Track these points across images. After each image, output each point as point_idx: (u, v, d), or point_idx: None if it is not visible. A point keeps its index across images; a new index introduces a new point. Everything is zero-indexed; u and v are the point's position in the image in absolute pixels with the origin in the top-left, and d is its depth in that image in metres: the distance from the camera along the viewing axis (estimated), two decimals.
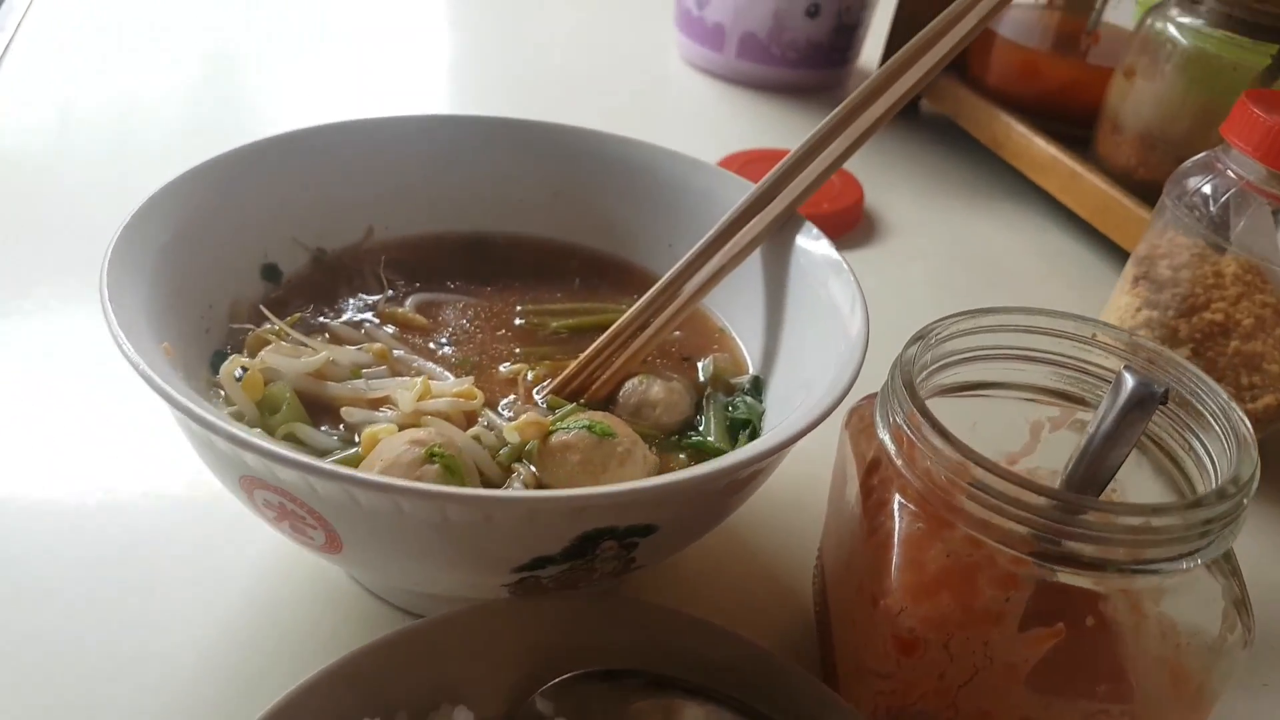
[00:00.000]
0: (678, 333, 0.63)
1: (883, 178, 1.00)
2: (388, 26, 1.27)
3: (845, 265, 0.56)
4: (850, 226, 0.94)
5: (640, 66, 1.23)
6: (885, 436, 0.45)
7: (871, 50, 1.21)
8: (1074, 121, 1.03)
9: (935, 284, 0.87)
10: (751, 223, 0.61)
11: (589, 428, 0.51)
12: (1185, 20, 0.88)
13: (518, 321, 0.63)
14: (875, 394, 0.52)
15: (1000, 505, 0.40)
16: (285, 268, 0.63)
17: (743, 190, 0.63)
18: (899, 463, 0.44)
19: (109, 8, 1.20)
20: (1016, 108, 1.06)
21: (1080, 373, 0.50)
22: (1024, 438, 0.54)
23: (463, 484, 0.47)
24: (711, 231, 0.61)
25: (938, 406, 0.48)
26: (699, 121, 1.13)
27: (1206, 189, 0.69)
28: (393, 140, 0.66)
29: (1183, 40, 0.88)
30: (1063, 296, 0.88)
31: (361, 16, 1.29)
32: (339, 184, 0.65)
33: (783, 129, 1.11)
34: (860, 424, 0.51)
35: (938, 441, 0.41)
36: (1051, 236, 0.97)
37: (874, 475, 0.47)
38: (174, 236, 0.54)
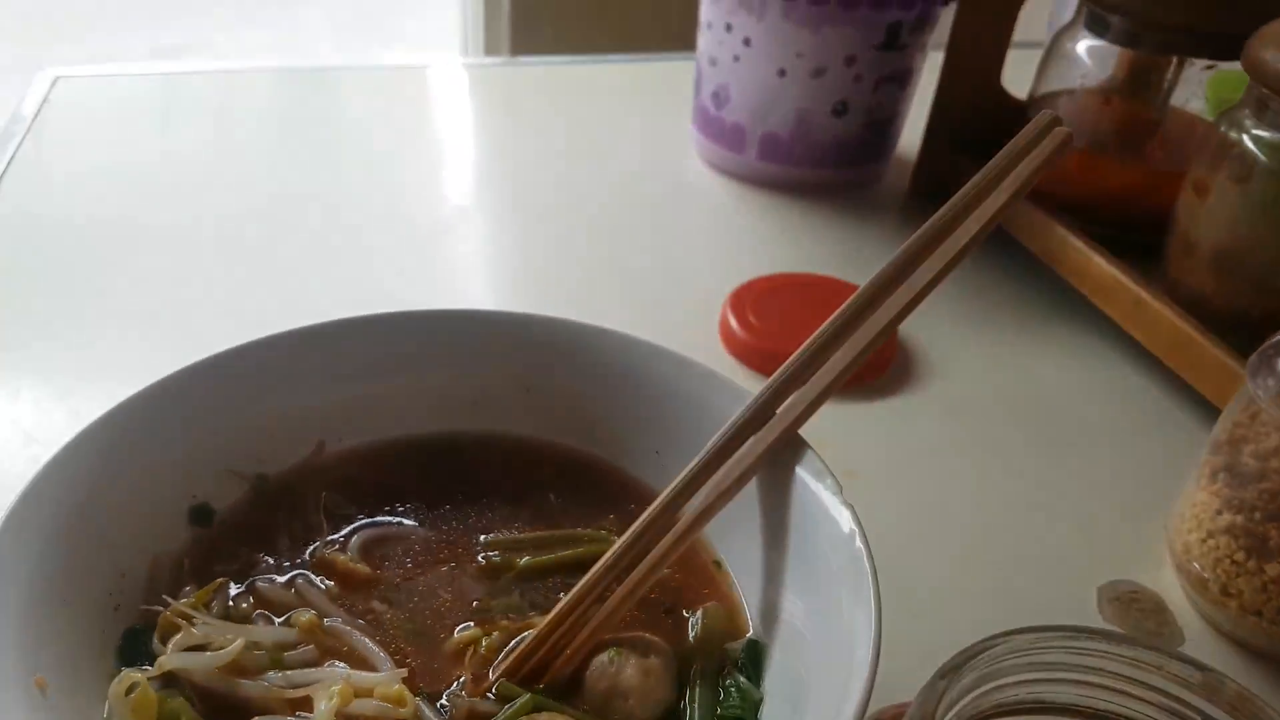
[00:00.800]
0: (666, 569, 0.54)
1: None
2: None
3: (864, 557, 0.46)
4: (882, 369, 0.83)
5: (657, 169, 1.14)
6: None
7: (912, 139, 1.11)
8: (1136, 229, 0.92)
9: (980, 444, 0.77)
10: (746, 446, 0.52)
11: None
12: (1263, 133, 0.77)
13: (479, 559, 0.55)
14: (899, 708, 0.43)
15: None
16: (218, 504, 0.55)
17: (739, 397, 0.54)
18: None
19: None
20: (1075, 213, 0.95)
21: (1141, 700, 0.40)
22: None
23: None
24: (701, 454, 0.53)
25: None
26: (717, 232, 1.04)
27: None
28: (344, 343, 0.59)
29: (1261, 157, 0.77)
30: (1134, 458, 0.76)
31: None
32: (282, 398, 0.57)
33: (810, 240, 1.02)
34: None
35: None
36: (1120, 373, 0.86)
37: None
38: (71, 509, 0.48)
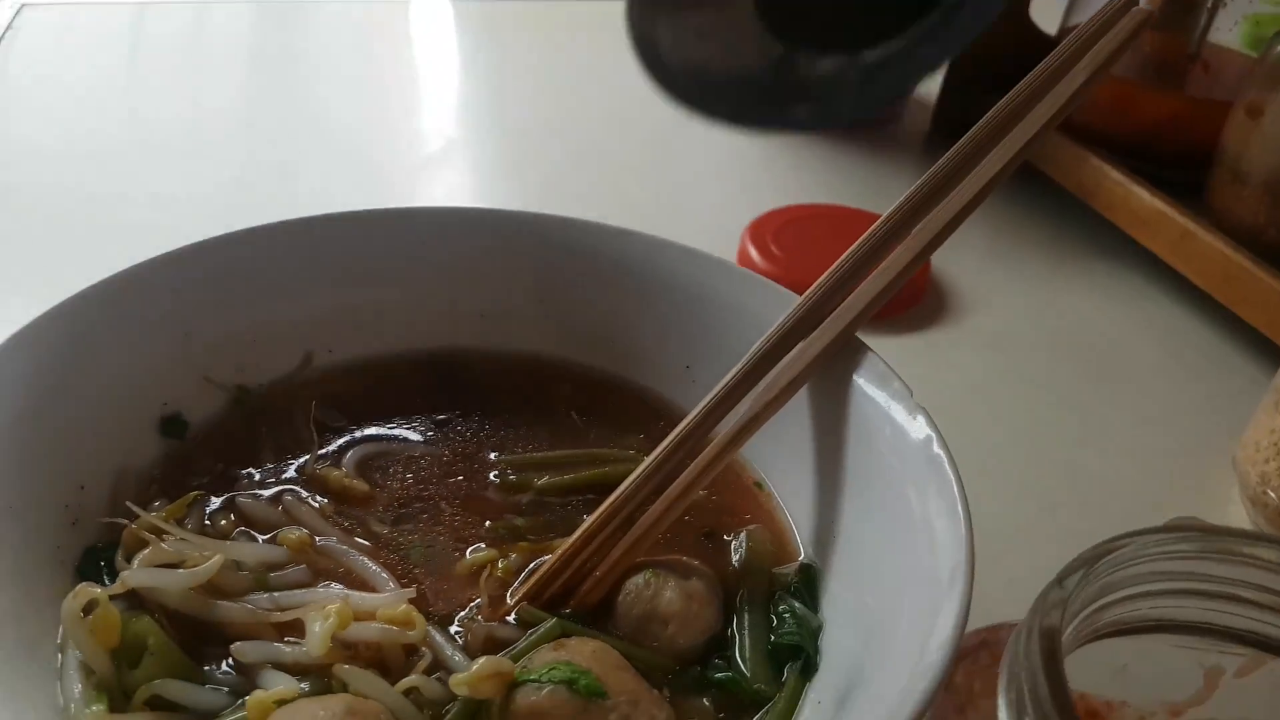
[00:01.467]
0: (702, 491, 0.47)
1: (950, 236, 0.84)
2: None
3: (944, 460, 0.40)
4: (914, 302, 0.78)
5: (663, 105, 1.08)
6: None
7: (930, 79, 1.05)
8: (1178, 165, 0.87)
9: (1024, 379, 0.71)
10: (797, 350, 0.46)
11: (569, 682, 0.36)
12: None
13: (491, 478, 0.49)
14: (990, 632, 0.37)
15: None
16: (192, 417, 0.49)
17: (783, 303, 0.48)
18: None
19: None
20: (1106, 147, 0.89)
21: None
22: (1195, 684, 0.38)
23: None
24: (742, 361, 0.46)
25: (1079, 654, 0.33)
26: (731, 169, 0.98)
27: None
28: (335, 242, 0.52)
29: None
30: (1188, 393, 0.71)
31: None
32: (266, 301, 0.51)
33: (829, 176, 0.96)
34: (968, 676, 0.36)
35: None
36: (1161, 308, 0.80)
37: None
38: (26, 406, 0.41)
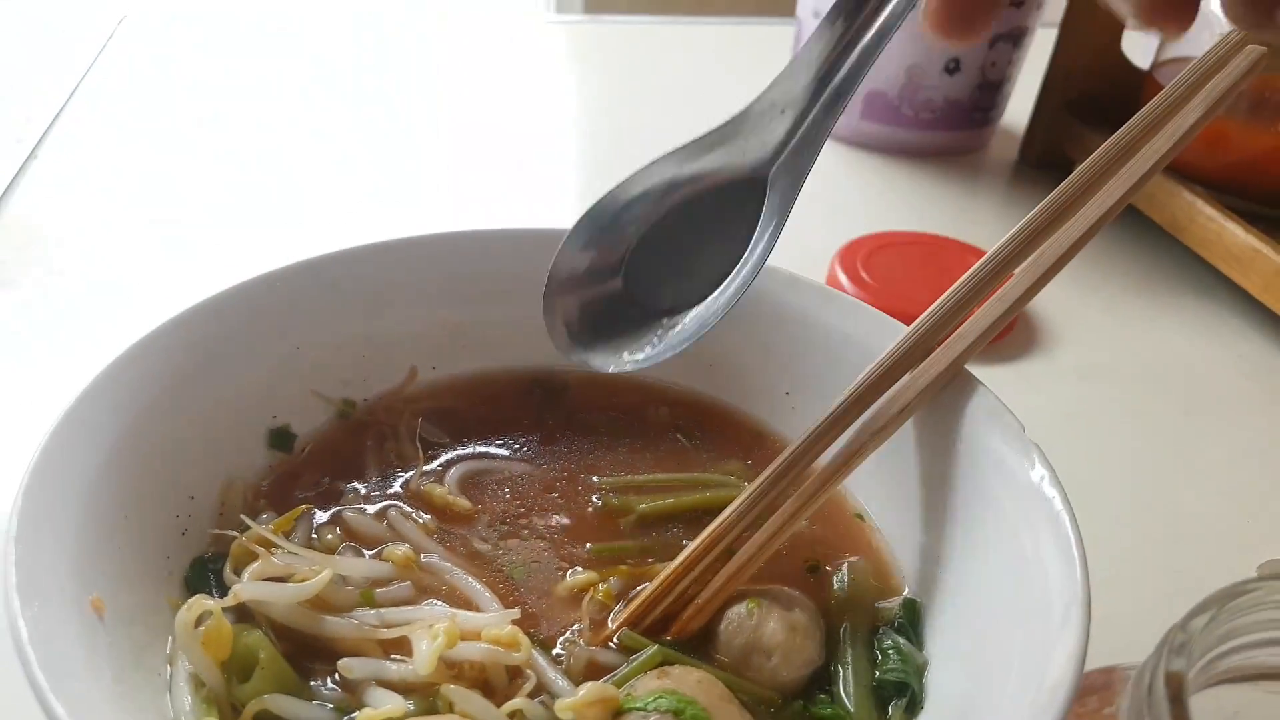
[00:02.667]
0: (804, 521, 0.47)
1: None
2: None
3: (1058, 500, 0.39)
4: (1005, 333, 0.77)
5: None
6: None
7: (1017, 105, 1.04)
8: (1267, 200, 0.85)
9: (1116, 412, 0.70)
10: (905, 380, 0.46)
11: (676, 712, 0.36)
12: None
13: (593, 500, 0.49)
14: (1097, 675, 0.36)
15: None
16: (300, 429, 0.50)
17: (887, 331, 0.47)
18: None
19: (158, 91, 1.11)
20: (1200, 182, 0.88)
21: None
22: None
23: None
24: (849, 389, 0.46)
25: (1197, 700, 0.33)
26: (821, 194, 0.97)
27: None
28: (443, 260, 0.53)
29: None
30: None
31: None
32: (374, 317, 0.52)
33: (918, 202, 0.95)
34: (1093, 712, 0.35)
35: None
36: (1255, 346, 0.79)
37: None
38: (141, 415, 0.42)
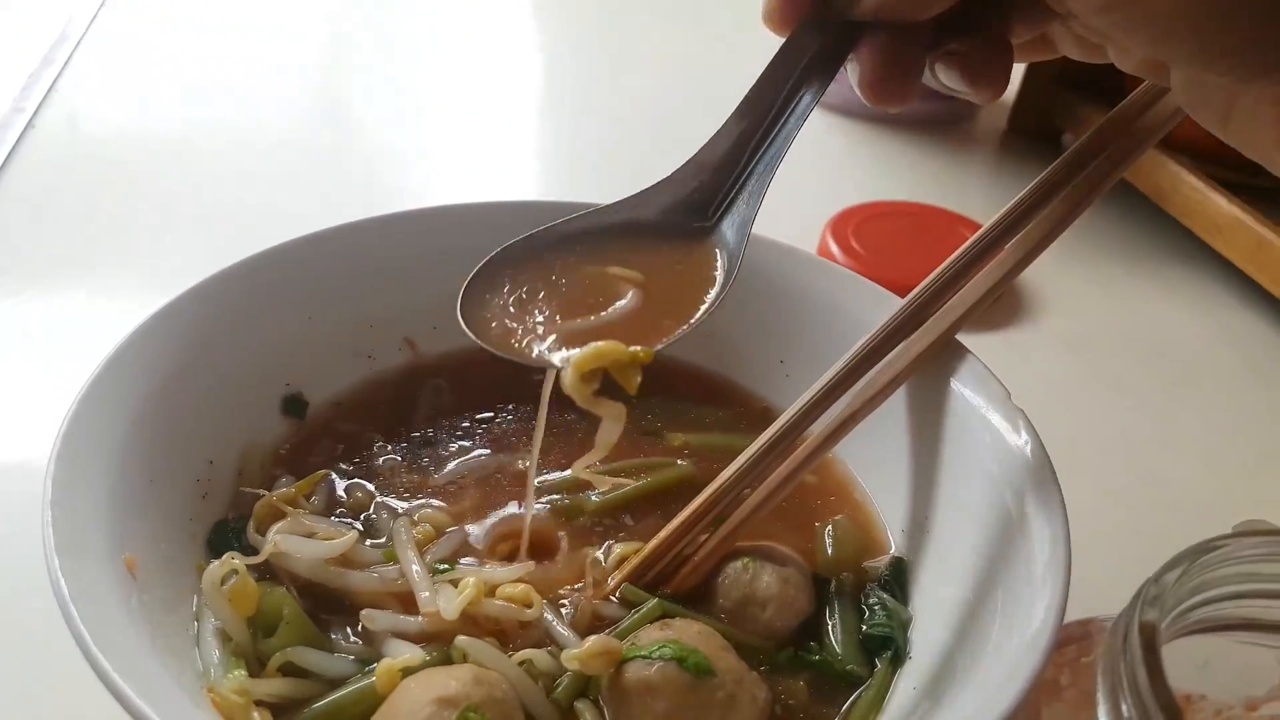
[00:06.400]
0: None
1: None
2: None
3: (1048, 467, 0.41)
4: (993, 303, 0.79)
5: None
6: None
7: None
8: (1251, 170, 0.86)
9: (1100, 380, 0.72)
10: (898, 350, 0.48)
11: (680, 659, 0.38)
12: None
13: (590, 472, 0.50)
14: (1077, 626, 0.38)
15: None
16: (313, 397, 0.51)
17: (880, 302, 0.49)
18: None
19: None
20: (1184, 152, 0.89)
21: None
22: (1272, 680, 0.39)
23: None
24: (844, 359, 0.48)
25: (1168, 650, 0.35)
26: (810, 164, 0.99)
27: None
28: (451, 231, 0.54)
29: None
30: (1264, 400, 0.72)
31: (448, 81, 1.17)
32: (384, 288, 0.53)
33: (908, 172, 0.97)
34: (1056, 668, 0.37)
35: None
36: (1236, 315, 0.81)
37: None
38: (162, 382, 0.44)
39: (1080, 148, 0.50)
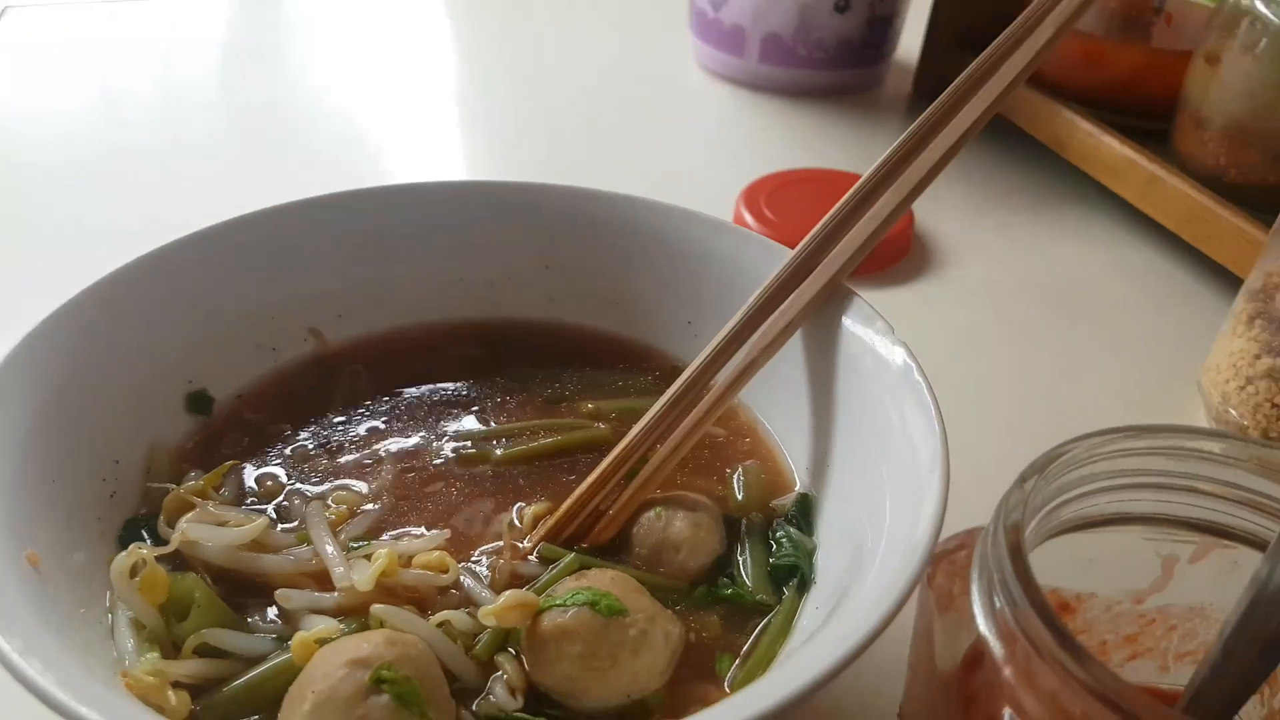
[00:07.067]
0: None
1: (931, 192, 0.86)
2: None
3: (915, 370, 0.43)
4: (900, 256, 0.81)
5: (654, 77, 1.11)
6: (989, 633, 0.33)
7: (909, 42, 1.08)
8: (1145, 114, 0.90)
9: (1005, 322, 0.74)
10: (790, 299, 0.49)
11: (592, 604, 0.39)
12: None
13: (497, 443, 0.51)
14: (968, 535, 0.40)
15: None
16: (218, 392, 0.52)
17: (776, 257, 0.51)
18: (1011, 675, 0.31)
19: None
20: (1078, 100, 0.92)
21: (1227, 500, 0.37)
22: (1154, 573, 0.41)
23: (423, 714, 0.35)
24: (740, 313, 0.49)
25: (1048, 548, 0.37)
26: (722, 138, 1.01)
27: None
28: (343, 220, 0.55)
29: (1275, 19, 0.74)
30: (1156, 327, 0.75)
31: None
32: (280, 280, 0.54)
33: (817, 141, 0.99)
34: (949, 577, 0.39)
35: (1070, 663, 0.29)
36: (1132, 250, 0.84)
37: (975, 673, 0.35)
38: (60, 384, 0.44)
39: (953, 92, 0.51)
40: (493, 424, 0.53)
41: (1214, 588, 0.40)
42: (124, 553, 0.41)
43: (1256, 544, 0.37)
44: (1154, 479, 0.37)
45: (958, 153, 0.51)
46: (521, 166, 0.93)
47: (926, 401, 0.41)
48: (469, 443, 0.51)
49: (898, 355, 0.44)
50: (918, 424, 0.40)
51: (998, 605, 0.32)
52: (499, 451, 0.50)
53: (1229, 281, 0.75)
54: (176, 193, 0.84)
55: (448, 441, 0.51)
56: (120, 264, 0.48)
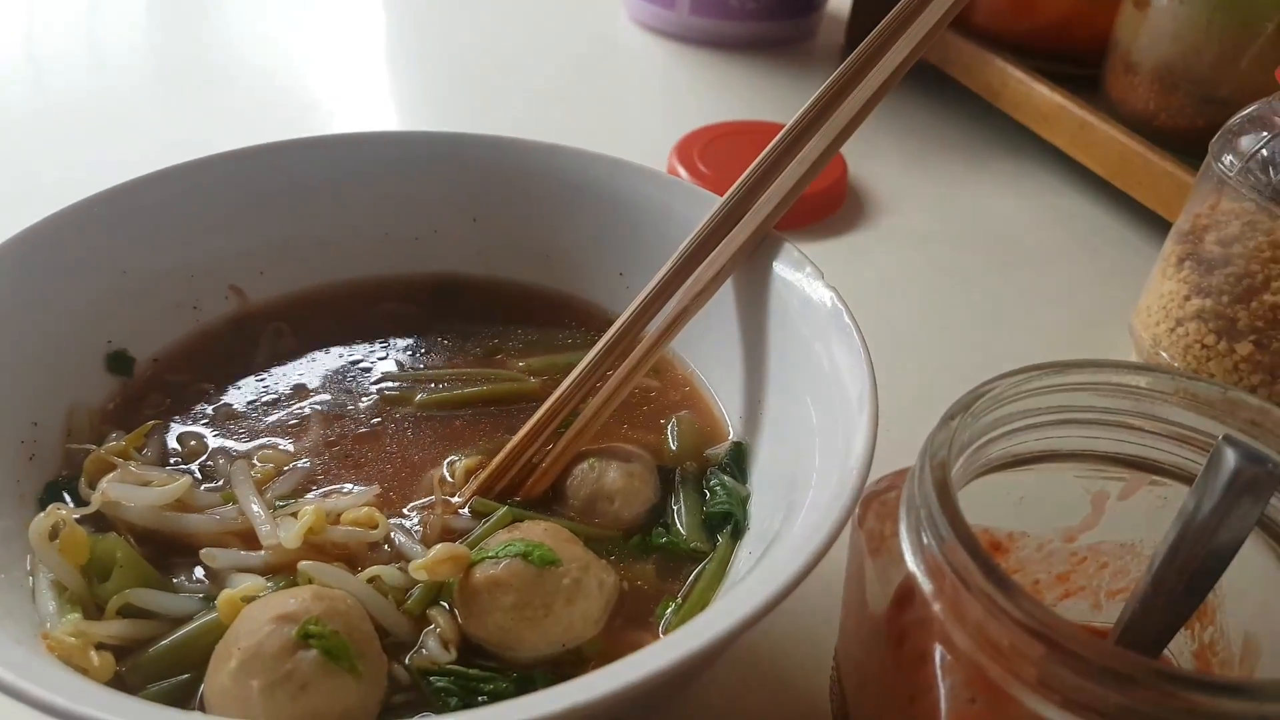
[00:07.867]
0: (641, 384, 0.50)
1: (865, 144, 0.87)
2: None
3: (844, 312, 0.43)
4: (834, 208, 0.81)
5: (585, 31, 1.09)
6: (918, 570, 0.33)
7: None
8: (1078, 61, 0.90)
9: (938, 271, 0.75)
10: (720, 247, 0.49)
11: (525, 554, 0.39)
12: None
13: (428, 396, 0.51)
14: (897, 476, 0.40)
15: (1092, 691, 0.28)
16: (138, 353, 0.50)
17: (706, 204, 0.50)
18: (940, 610, 0.32)
19: None
20: (1010, 48, 0.93)
21: (1154, 435, 0.38)
22: (1084, 510, 0.42)
23: (352, 668, 0.35)
24: (670, 261, 0.49)
25: (978, 488, 0.37)
26: (654, 92, 1.00)
27: (1264, 149, 0.56)
28: (263, 174, 0.53)
29: None
30: (1088, 272, 0.76)
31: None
32: (198, 236, 0.52)
33: (749, 93, 0.98)
34: (879, 519, 0.39)
35: (997, 595, 0.29)
36: (1065, 198, 0.85)
37: (906, 610, 0.35)
38: None
39: (878, 34, 0.51)
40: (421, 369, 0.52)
41: (1144, 524, 0.40)
42: (42, 514, 0.39)
43: (1184, 478, 0.38)
44: (1081, 415, 0.38)
45: (884, 95, 0.50)
46: (453, 122, 0.91)
47: (855, 343, 0.41)
48: (395, 384, 0.51)
49: (826, 298, 0.44)
50: (846, 365, 0.40)
51: (925, 542, 0.33)
52: (422, 396, 0.50)
53: (1159, 226, 0.76)
54: (99, 150, 0.81)
55: (376, 397, 0.50)
56: (29, 223, 0.46)
